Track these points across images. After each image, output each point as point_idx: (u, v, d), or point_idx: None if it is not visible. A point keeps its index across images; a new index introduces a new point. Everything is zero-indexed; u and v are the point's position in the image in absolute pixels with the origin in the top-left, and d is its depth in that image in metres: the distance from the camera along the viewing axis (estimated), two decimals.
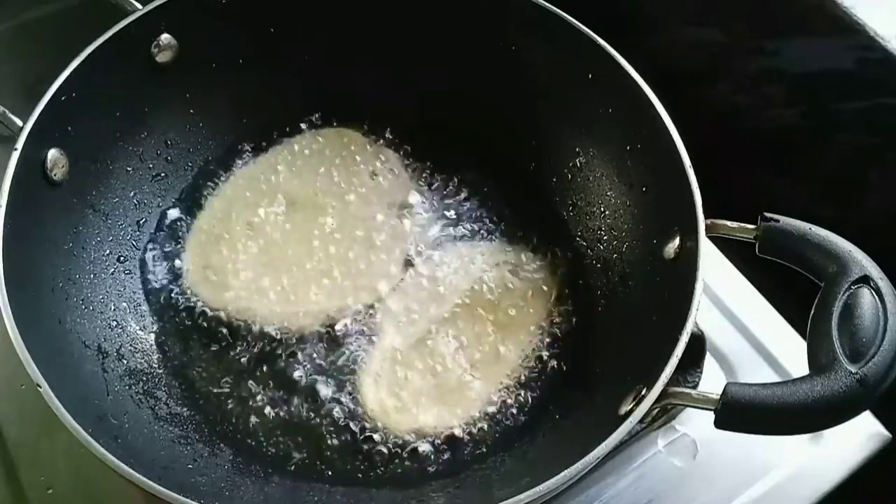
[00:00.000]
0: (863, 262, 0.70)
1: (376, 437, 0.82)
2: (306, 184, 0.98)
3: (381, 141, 1.01)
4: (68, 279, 0.83)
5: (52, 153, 0.81)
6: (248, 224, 0.95)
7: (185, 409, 0.83)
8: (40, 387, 0.67)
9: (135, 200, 0.93)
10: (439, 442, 0.83)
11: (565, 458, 0.68)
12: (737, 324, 0.96)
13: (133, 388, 0.82)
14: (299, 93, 1.01)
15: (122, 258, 0.90)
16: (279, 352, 0.87)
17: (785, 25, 1.04)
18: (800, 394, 0.65)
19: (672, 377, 0.69)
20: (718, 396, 0.67)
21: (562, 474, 0.66)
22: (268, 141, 1.00)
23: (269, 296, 0.90)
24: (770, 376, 0.92)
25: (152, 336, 0.87)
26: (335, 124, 1.02)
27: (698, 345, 0.86)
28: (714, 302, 0.97)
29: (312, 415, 0.84)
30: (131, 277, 0.90)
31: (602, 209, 0.94)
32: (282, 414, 0.84)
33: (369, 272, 0.92)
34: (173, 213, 0.95)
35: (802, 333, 0.78)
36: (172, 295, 0.90)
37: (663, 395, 0.69)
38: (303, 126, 1.01)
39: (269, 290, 0.90)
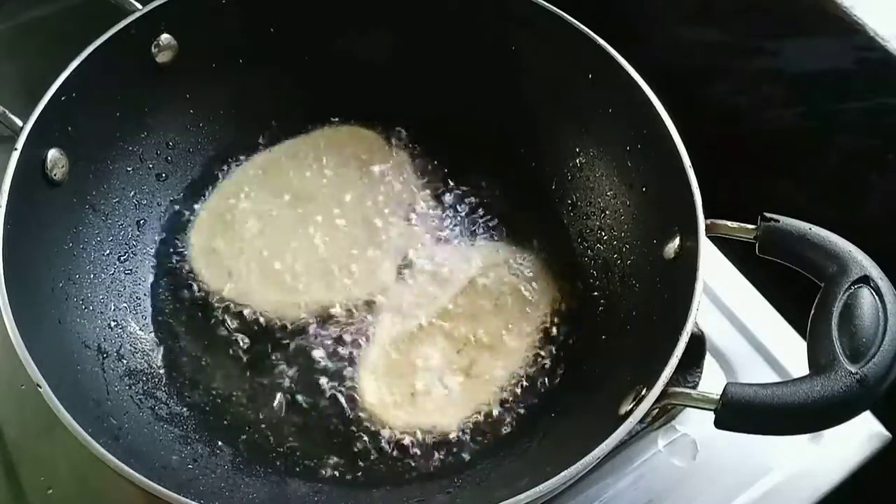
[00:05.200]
0: (863, 262, 0.70)
1: (375, 434, 0.82)
2: (311, 180, 0.98)
3: (387, 140, 1.01)
4: (68, 279, 0.83)
5: (52, 153, 0.81)
6: (252, 216, 0.95)
7: (185, 409, 0.83)
8: (40, 387, 0.67)
9: (135, 200, 0.93)
10: (438, 441, 0.83)
11: (565, 458, 0.68)
12: (737, 324, 0.96)
13: (133, 388, 0.82)
14: (298, 92, 1.01)
15: (122, 258, 0.90)
16: (279, 349, 0.87)
17: (785, 25, 1.04)
18: (800, 394, 0.65)
19: (672, 377, 0.69)
20: (718, 396, 0.67)
21: (562, 474, 0.66)
22: (268, 140, 1.00)
23: (270, 289, 0.90)
24: (770, 376, 0.92)
25: (152, 336, 0.87)
26: (337, 123, 1.02)
27: (698, 345, 0.86)
28: (714, 302, 0.97)
29: (312, 412, 0.84)
30: (131, 277, 0.90)
31: (602, 209, 0.94)
32: (281, 412, 0.84)
33: (369, 268, 0.92)
34: (174, 213, 0.95)
35: (802, 333, 0.78)
36: (173, 291, 0.90)
37: (663, 395, 0.69)
38: (303, 125, 1.01)
39: (270, 283, 0.91)
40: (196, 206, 0.96)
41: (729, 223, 0.77)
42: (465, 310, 0.90)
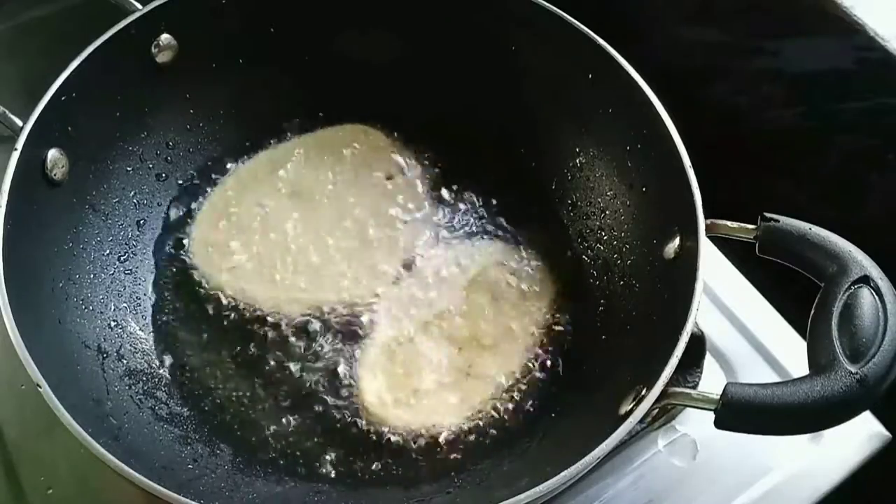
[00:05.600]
0: (863, 262, 0.70)
1: (375, 433, 0.82)
2: (313, 179, 0.98)
3: (388, 140, 1.01)
4: (68, 279, 0.83)
5: (52, 153, 0.81)
6: (254, 215, 0.95)
7: (185, 409, 0.83)
8: (40, 387, 0.67)
9: (135, 200, 0.93)
10: (438, 440, 0.83)
11: (565, 458, 0.68)
12: (737, 324, 0.96)
13: (133, 388, 0.82)
14: (298, 92, 1.01)
15: (122, 258, 0.90)
16: (279, 348, 0.87)
17: (785, 25, 1.04)
18: (800, 394, 0.65)
19: (672, 377, 0.69)
20: (718, 396, 0.67)
21: (562, 474, 0.66)
22: (268, 140, 1.00)
23: (271, 287, 0.90)
24: (770, 376, 0.92)
25: (152, 336, 0.87)
26: (338, 123, 1.02)
27: (698, 345, 0.86)
28: (714, 302, 0.97)
29: (312, 411, 0.84)
30: (131, 277, 0.90)
31: (602, 209, 0.94)
32: (281, 412, 0.84)
33: (370, 267, 0.92)
34: (174, 212, 0.95)
35: (802, 333, 0.78)
36: (173, 291, 0.90)
37: (663, 395, 0.69)
38: (303, 125, 1.01)
39: (271, 281, 0.91)
40: (196, 206, 0.96)
41: (729, 223, 0.77)
42: (465, 309, 0.90)
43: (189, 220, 0.95)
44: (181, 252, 0.93)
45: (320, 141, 1.01)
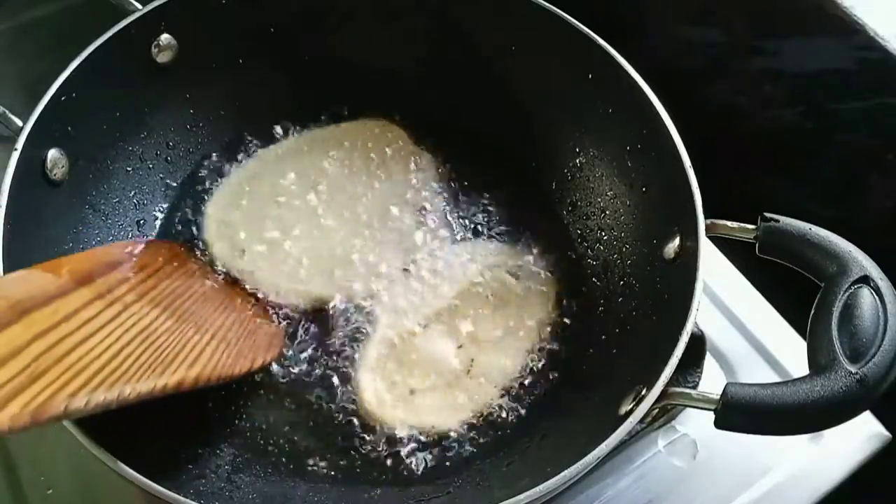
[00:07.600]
0: (863, 262, 0.70)
1: (375, 433, 0.82)
2: (318, 176, 0.98)
3: (387, 139, 1.01)
4: None
5: (52, 153, 0.81)
6: (263, 205, 0.95)
7: (184, 408, 0.83)
8: None
9: (135, 200, 0.93)
10: (438, 440, 0.83)
11: (565, 458, 0.68)
12: (737, 324, 0.96)
13: None
14: (298, 92, 1.01)
15: None
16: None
17: (785, 25, 1.04)
18: (800, 394, 0.65)
19: (672, 377, 0.69)
20: (718, 396, 0.67)
21: (562, 474, 0.66)
22: (268, 139, 1.00)
23: (273, 280, 0.90)
24: (770, 376, 0.92)
25: None
26: (339, 122, 1.02)
27: (698, 345, 0.86)
28: (714, 302, 0.97)
29: (312, 411, 0.84)
30: None
31: (602, 209, 0.94)
32: (281, 412, 0.84)
33: (373, 263, 0.92)
34: (174, 212, 0.95)
35: (802, 333, 0.78)
36: None
37: (663, 395, 0.69)
38: (304, 124, 1.01)
39: (276, 273, 0.91)
40: (198, 204, 0.95)
41: (729, 223, 0.77)
42: (465, 309, 0.90)
43: (191, 219, 0.94)
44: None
45: (324, 138, 1.01)
